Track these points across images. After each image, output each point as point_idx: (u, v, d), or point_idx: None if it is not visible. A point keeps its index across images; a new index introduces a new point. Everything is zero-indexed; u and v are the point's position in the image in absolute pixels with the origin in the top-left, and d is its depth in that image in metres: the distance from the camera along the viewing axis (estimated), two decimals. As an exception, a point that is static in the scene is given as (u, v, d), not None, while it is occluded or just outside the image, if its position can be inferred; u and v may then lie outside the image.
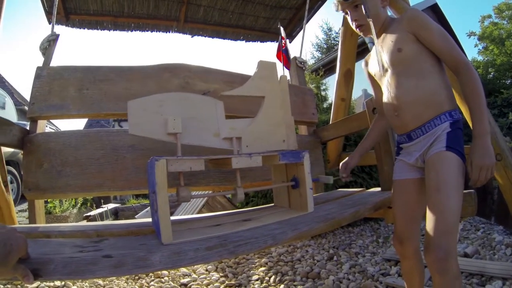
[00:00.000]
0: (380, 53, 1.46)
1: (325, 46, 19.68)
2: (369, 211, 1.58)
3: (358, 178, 3.71)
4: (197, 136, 1.40)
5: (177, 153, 1.31)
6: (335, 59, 3.38)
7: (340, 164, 1.78)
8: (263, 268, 2.65)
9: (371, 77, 1.66)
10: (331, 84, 4.34)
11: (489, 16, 14.50)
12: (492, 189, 3.60)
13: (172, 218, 1.62)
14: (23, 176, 1.90)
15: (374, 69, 1.55)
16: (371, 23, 1.42)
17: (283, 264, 2.73)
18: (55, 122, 12.97)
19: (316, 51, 19.95)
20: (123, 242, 1.18)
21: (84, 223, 3.94)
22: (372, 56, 1.59)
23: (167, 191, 1.11)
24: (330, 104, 3.60)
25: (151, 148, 1.92)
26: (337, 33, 19.33)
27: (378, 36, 1.50)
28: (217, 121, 1.46)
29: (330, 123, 3.29)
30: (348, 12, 1.52)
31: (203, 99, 1.49)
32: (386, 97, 1.46)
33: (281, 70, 2.51)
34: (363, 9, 1.42)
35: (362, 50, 4.47)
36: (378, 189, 2.17)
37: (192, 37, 3.87)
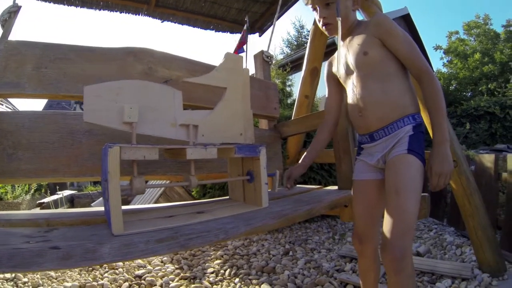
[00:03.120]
0: (346, 55, 1.47)
1: (295, 43, 19.80)
2: (324, 210, 1.61)
3: (317, 175, 3.76)
4: (154, 126, 1.37)
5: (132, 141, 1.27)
6: (303, 56, 3.39)
7: (285, 174, 1.76)
8: (218, 261, 2.65)
9: (330, 78, 1.66)
10: (297, 81, 4.36)
11: (457, 32, 15.24)
12: (446, 193, 3.78)
13: (124, 207, 1.58)
14: (-29, 159, 1.77)
15: (339, 70, 1.55)
16: (339, 23, 1.41)
17: (239, 257, 2.74)
18: (13, 101, 12.32)
19: (286, 47, 20.08)
20: (73, 232, 1.15)
21: (37, 210, 3.77)
22: (337, 58, 1.58)
23: (119, 179, 1.08)
24: (295, 100, 3.62)
25: (108, 134, 1.85)
26: (308, 31, 19.46)
27: (344, 38, 1.50)
28: (175, 111, 1.43)
29: (292, 119, 3.31)
30: (317, 9, 1.49)
31: (161, 88, 1.45)
32: (351, 98, 1.47)
33: (245, 63, 2.50)
34: (336, 8, 1.40)
35: (331, 51, 4.50)
36: (336, 187, 2.21)
37: (162, 22, 3.75)
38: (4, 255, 0.85)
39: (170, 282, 2.26)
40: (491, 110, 8.38)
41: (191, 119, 1.47)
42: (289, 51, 18.35)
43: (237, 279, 2.27)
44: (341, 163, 2.10)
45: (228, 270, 2.43)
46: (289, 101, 5.11)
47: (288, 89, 5.38)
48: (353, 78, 1.44)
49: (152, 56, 2.13)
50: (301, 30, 20.43)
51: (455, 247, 2.71)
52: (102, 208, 1.48)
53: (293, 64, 7.04)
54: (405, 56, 1.34)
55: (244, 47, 2.97)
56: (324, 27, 1.51)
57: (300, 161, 1.75)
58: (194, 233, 1.09)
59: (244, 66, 1.71)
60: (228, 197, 1.88)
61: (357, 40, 1.41)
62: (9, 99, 10.73)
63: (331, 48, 4.34)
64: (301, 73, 3.32)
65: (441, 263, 2.27)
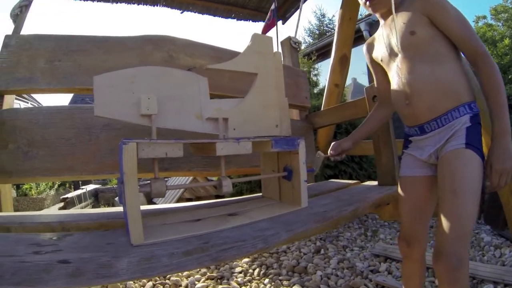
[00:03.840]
0: (389, 35, 1.31)
1: (317, 32, 19.45)
2: (369, 209, 1.45)
3: (348, 168, 3.62)
4: (176, 118, 1.22)
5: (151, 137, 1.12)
6: (329, 44, 3.26)
7: (333, 143, 1.61)
8: (246, 260, 2.52)
9: (374, 63, 1.50)
10: (323, 69, 4.17)
11: (484, 17, 14.55)
12: (484, 188, 3.51)
13: (145, 208, 1.44)
14: (-14, 158, 1.71)
15: (381, 53, 1.39)
16: None
17: (268, 255, 2.61)
18: (39, 98, 12.44)
19: (308, 36, 19.75)
20: (88, 240, 1.03)
21: (53, 211, 3.72)
22: (378, 39, 1.42)
23: (137, 181, 0.93)
24: (322, 90, 3.48)
25: (128, 128, 1.73)
26: (330, 19, 19.24)
27: (386, 16, 1.35)
28: (200, 101, 1.27)
29: (322, 109, 3.16)
30: None
31: (183, 74, 1.29)
32: (396, 84, 1.30)
33: (275, 47, 2.34)
34: None
35: (357, 37, 4.30)
36: (374, 182, 2.05)
37: (181, 13, 3.65)
38: (8, 269, 0.76)
39: (196, 282, 2.15)
40: (524, 100, 7.92)
41: (219, 111, 1.31)
42: (311, 40, 18.04)
43: (266, 280, 2.15)
44: (381, 156, 1.93)
45: (257, 269, 2.31)
46: (315, 90, 4.90)
47: (314, 78, 5.15)
48: (398, 61, 1.28)
49: (173, 43, 2.00)
50: (322, 19, 20.06)
51: (494, 248, 2.51)
52: (121, 209, 1.36)
53: (318, 52, 6.77)
54: (457, 35, 1.18)
55: (272, 30, 2.79)
56: (368, 3, 1.34)
57: (349, 137, 1.59)
58: (228, 243, 0.94)
59: (274, 49, 1.53)
60: (260, 194, 1.73)
61: (402, 18, 1.25)
62: (34, 96, 10.92)
63: (358, 35, 4.13)
64: (329, 61, 3.20)
65: (481, 266, 2.10)
